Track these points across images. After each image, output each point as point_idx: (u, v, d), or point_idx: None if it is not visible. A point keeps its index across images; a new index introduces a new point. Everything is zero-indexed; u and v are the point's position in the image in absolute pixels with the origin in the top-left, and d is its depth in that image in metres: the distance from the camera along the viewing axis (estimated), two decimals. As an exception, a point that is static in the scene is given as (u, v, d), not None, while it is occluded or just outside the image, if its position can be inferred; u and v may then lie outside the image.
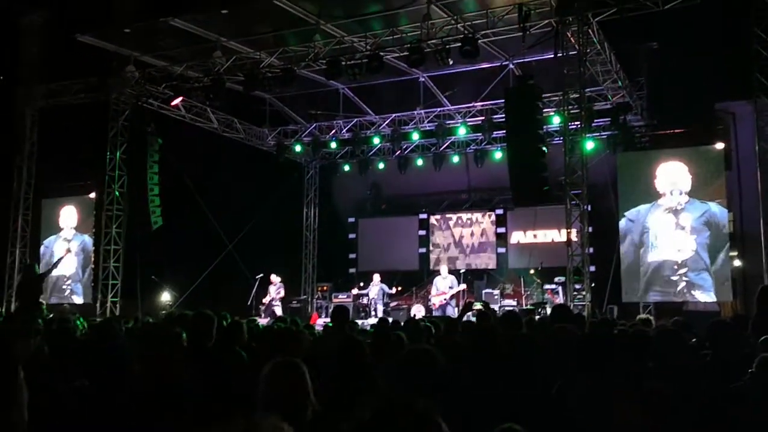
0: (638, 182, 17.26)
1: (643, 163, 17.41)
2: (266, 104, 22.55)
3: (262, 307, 20.14)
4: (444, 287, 19.16)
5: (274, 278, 20.49)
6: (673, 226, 16.73)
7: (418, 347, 4.45)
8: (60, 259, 17.43)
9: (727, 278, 16.22)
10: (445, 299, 18.89)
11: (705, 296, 16.33)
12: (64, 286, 20.84)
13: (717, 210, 16.42)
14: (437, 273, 20.48)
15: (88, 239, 21.00)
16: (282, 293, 20.55)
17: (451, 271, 19.97)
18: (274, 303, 20.20)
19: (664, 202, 16.88)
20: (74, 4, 19.17)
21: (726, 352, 5.40)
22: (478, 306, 12.79)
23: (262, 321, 15.77)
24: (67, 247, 19.19)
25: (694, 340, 7.18)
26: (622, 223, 17.34)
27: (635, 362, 5.13)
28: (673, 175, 16.89)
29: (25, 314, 12.13)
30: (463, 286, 19.51)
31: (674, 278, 16.57)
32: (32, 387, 3.67)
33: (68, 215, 21.60)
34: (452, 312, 18.08)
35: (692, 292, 16.39)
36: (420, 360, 4.10)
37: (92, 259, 20.57)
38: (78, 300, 20.70)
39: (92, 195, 21.16)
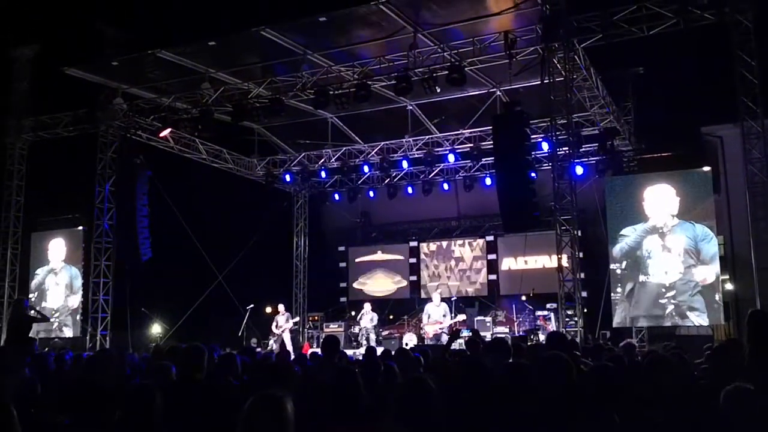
0: (627, 206, 17.20)
1: (631, 187, 17.38)
2: (255, 134, 22.58)
3: (274, 337, 20.35)
4: (438, 315, 18.89)
5: (281, 308, 20.71)
6: (660, 248, 16.65)
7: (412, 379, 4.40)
8: (47, 318, 17.81)
9: (717, 301, 16.14)
10: (440, 328, 18.57)
11: (697, 319, 16.23)
12: (52, 320, 20.57)
13: (705, 231, 16.36)
14: (429, 301, 20.37)
15: (75, 272, 20.85)
16: (291, 323, 20.77)
17: (442, 299, 19.83)
18: (284, 332, 20.34)
19: (651, 225, 16.86)
20: (63, 38, 19.24)
21: (724, 380, 5.35)
22: (465, 334, 12.74)
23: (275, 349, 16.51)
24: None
25: (686, 365, 7.13)
26: (618, 241, 17.11)
27: (628, 391, 5.09)
28: (660, 198, 16.86)
29: (14, 349, 12.04)
30: (463, 317, 19.29)
31: (662, 301, 16.44)
32: (23, 424, 3.63)
33: (57, 247, 21.43)
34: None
35: (681, 315, 16.30)
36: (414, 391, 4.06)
37: (80, 292, 20.45)
38: (68, 333, 20.50)
39: (80, 228, 21.08)
